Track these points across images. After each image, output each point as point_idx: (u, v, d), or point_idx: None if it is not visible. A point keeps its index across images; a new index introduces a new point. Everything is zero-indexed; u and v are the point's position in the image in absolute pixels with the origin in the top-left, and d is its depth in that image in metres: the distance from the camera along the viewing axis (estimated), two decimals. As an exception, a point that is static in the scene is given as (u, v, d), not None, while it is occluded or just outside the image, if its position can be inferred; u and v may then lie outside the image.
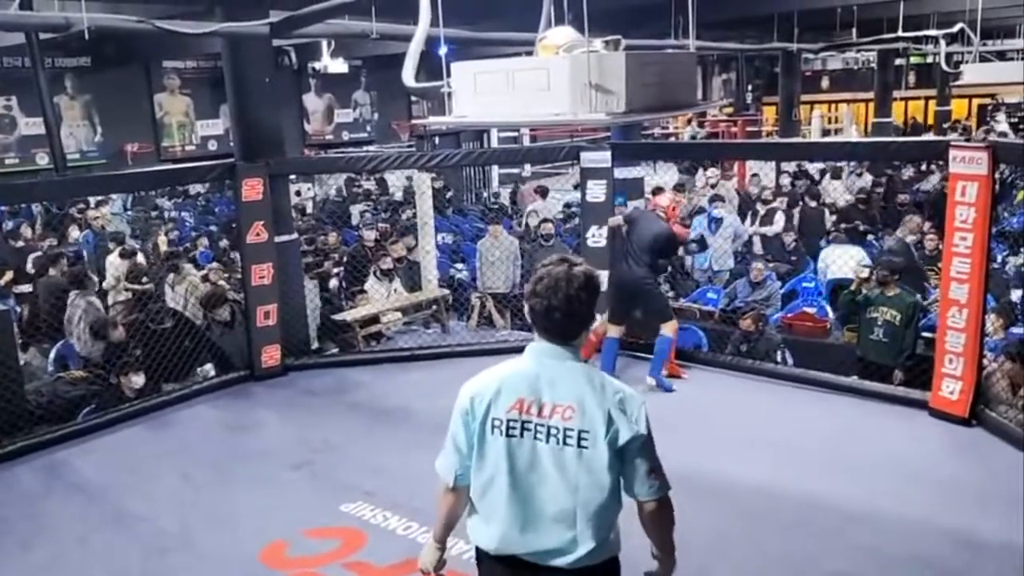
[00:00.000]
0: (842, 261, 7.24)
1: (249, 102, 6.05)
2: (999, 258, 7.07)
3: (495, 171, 18.72)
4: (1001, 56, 16.14)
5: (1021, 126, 21.01)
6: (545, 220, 8.54)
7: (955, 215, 4.58)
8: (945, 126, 18.85)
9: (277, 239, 5.91)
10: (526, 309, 2.14)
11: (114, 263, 7.62)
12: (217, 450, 4.83)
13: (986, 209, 4.50)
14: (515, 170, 18.94)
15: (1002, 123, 18.78)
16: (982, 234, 4.50)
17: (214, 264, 7.82)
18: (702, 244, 6.09)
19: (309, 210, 12.41)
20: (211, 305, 6.03)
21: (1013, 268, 7.13)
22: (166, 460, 4.68)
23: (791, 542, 3.62)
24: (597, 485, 2.04)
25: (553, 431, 2.04)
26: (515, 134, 20.64)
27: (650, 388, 5.42)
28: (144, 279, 7.45)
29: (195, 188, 16.09)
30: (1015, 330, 5.49)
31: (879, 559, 3.45)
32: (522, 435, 2.06)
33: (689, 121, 22.79)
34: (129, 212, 12.56)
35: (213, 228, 11.62)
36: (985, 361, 4.74)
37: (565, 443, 2.03)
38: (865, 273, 5.82)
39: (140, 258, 7.89)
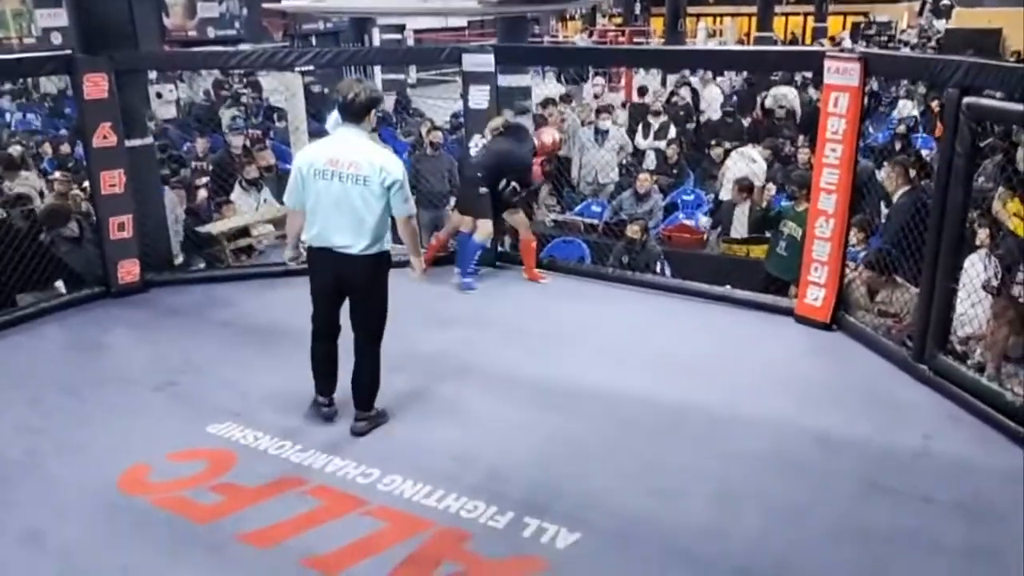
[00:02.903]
0: (737, 170, 7.36)
1: (89, -12, 5.40)
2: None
3: (379, 76, 17.93)
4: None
5: (890, 44, 21.97)
6: (434, 128, 8.26)
7: (827, 126, 4.66)
8: (820, 41, 19.40)
9: (128, 143, 5.38)
10: (337, 106, 3.54)
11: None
12: (69, 373, 4.45)
13: (856, 121, 4.59)
14: (400, 76, 18.21)
15: (846, 40, 19.83)
16: (851, 146, 4.61)
17: (58, 173, 7.11)
18: None
19: (168, 115, 11.44)
20: (53, 224, 5.47)
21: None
22: (9, 386, 4.28)
23: (664, 446, 3.72)
24: (372, 207, 3.48)
25: (348, 176, 3.45)
26: (399, 36, 19.76)
27: (458, 287, 5.49)
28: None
29: (43, 88, 14.62)
30: (875, 241, 5.76)
31: (746, 459, 3.60)
32: (331, 178, 3.47)
33: (582, 30, 22.49)
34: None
35: (64, 132, 10.63)
36: (847, 271, 4.95)
37: (354, 183, 3.45)
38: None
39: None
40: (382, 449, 3.66)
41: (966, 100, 3.85)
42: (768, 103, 10.83)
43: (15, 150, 8.30)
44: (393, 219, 3.64)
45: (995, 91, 3.98)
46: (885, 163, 7.38)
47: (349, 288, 3.62)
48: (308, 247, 3.64)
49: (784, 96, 10.75)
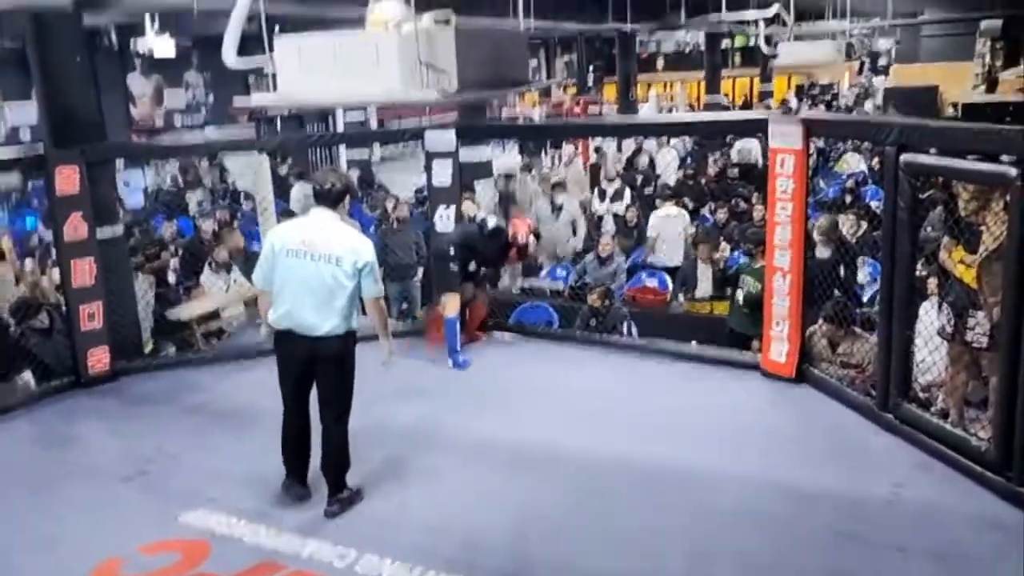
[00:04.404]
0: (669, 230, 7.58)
1: (59, 84, 5.54)
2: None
3: (343, 154, 18.17)
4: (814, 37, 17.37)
5: (834, 103, 22.89)
6: (400, 204, 8.42)
7: (776, 187, 4.87)
8: (767, 103, 20.15)
9: (99, 232, 5.43)
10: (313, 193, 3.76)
11: None
12: (37, 468, 4.39)
13: (803, 180, 4.80)
14: (364, 152, 18.49)
15: (792, 100, 20.78)
16: (800, 203, 4.81)
17: (28, 262, 7.11)
18: None
19: (136, 203, 11.49)
20: (24, 315, 5.44)
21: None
22: (-24, 484, 4.20)
23: (638, 507, 3.75)
24: (342, 286, 3.57)
25: (320, 255, 3.56)
26: (362, 117, 20.14)
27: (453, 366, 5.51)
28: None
29: (6, 181, 14.56)
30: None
31: (720, 516, 3.64)
32: (303, 257, 3.57)
33: (535, 103, 23.16)
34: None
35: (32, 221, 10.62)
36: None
37: (327, 262, 3.56)
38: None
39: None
40: (358, 528, 3.65)
41: (903, 157, 4.07)
42: (733, 156, 11.22)
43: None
44: (362, 300, 3.71)
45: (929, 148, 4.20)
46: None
47: (316, 368, 3.66)
48: (275, 328, 3.69)
49: (749, 150, 11.12)
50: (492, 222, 5.78)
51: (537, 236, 6.55)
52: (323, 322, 3.56)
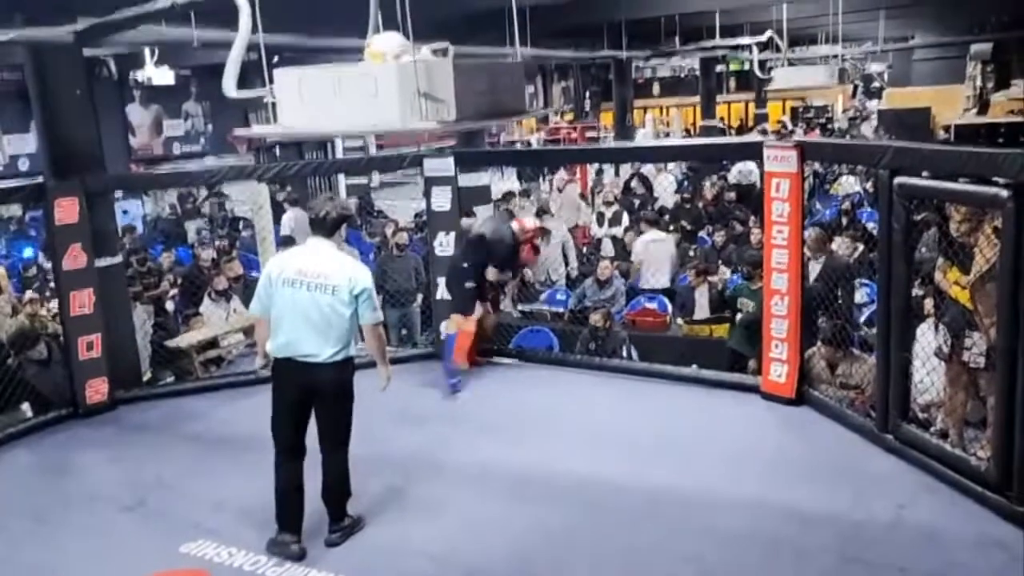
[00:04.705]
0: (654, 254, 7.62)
1: (59, 115, 5.58)
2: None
3: (343, 182, 18.28)
4: (807, 62, 17.57)
5: (829, 126, 23.08)
6: (400, 230, 8.47)
7: (772, 210, 4.91)
8: (764, 126, 20.29)
9: (97, 263, 5.45)
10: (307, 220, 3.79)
11: None
12: (37, 498, 4.37)
13: (798, 203, 4.84)
14: (363, 180, 18.62)
15: (788, 123, 20.95)
16: (796, 226, 4.85)
17: (28, 294, 7.13)
18: None
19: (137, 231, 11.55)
20: (23, 346, 5.45)
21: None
22: (-24, 515, 4.19)
23: (641, 531, 3.75)
24: (340, 315, 3.56)
25: (317, 284, 3.55)
26: (361, 143, 20.29)
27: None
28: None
29: (5, 211, 14.64)
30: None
31: (724, 539, 3.63)
32: (299, 287, 3.56)
33: (532, 130, 23.37)
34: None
35: (30, 252, 10.64)
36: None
37: (323, 292, 3.55)
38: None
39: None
40: (359, 557, 3.63)
41: (896, 180, 4.11)
42: (732, 178, 11.29)
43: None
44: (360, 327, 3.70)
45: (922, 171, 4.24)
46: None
47: (316, 397, 3.62)
48: (273, 358, 3.65)
49: (749, 172, 11.18)
50: (486, 226, 5.76)
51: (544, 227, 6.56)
52: (321, 350, 3.54)
